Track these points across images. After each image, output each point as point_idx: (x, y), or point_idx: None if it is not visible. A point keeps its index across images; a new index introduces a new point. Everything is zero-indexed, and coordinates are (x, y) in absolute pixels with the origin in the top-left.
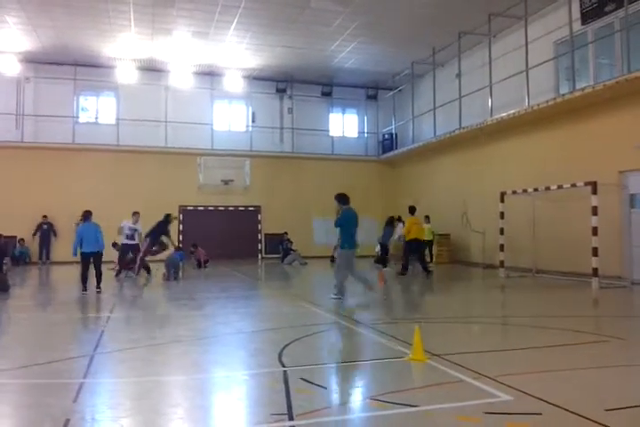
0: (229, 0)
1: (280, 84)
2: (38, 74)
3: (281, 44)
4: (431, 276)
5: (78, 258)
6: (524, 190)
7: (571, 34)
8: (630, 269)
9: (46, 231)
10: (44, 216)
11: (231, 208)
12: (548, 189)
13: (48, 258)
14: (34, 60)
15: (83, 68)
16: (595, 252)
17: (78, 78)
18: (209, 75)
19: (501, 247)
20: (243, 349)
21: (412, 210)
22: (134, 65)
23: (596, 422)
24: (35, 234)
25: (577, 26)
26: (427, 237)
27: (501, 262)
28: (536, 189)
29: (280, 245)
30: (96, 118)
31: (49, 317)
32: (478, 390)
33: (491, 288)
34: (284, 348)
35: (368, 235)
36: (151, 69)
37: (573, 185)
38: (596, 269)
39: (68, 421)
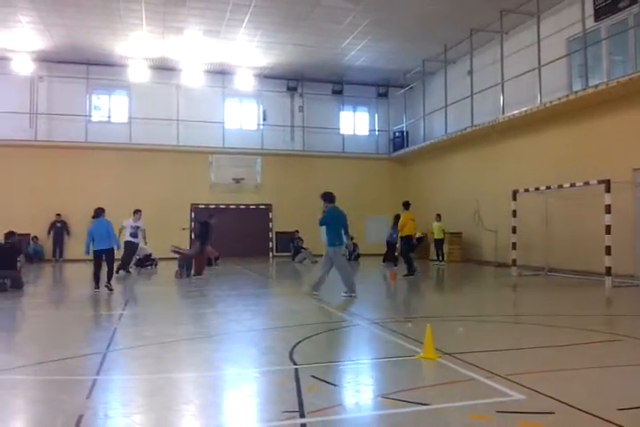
0: None
1: (291, 82)
2: (51, 73)
3: (292, 43)
4: (413, 277)
5: (91, 256)
6: (537, 188)
7: (584, 30)
8: None
9: (59, 230)
10: (58, 214)
11: (242, 206)
12: (560, 187)
13: (61, 256)
14: (47, 59)
15: (95, 67)
16: (608, 250)
17: (91, 77)
18: (220, 73)
19: (514, 246)
20: (254, 346)
21: (406, 205)
22: (146, 64)
23: (609, 421)
24: (49, 233)
25: (590, 22)
26: (437, 235)
27: (514, 261)
28: (549, 187)
29: (291, 244)
30: (108, 117)
31: (62, 314)
32: (490, 388)
33: (503, 287)
34: (295, 346)
35: (379, 234)
36: (163, 68)
37: (587, 183)
38: (609, 268)
39: (81, 417)
